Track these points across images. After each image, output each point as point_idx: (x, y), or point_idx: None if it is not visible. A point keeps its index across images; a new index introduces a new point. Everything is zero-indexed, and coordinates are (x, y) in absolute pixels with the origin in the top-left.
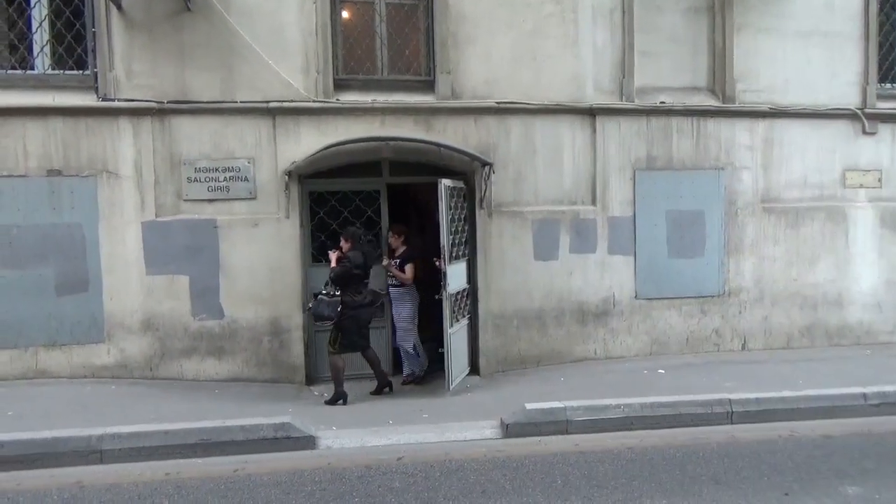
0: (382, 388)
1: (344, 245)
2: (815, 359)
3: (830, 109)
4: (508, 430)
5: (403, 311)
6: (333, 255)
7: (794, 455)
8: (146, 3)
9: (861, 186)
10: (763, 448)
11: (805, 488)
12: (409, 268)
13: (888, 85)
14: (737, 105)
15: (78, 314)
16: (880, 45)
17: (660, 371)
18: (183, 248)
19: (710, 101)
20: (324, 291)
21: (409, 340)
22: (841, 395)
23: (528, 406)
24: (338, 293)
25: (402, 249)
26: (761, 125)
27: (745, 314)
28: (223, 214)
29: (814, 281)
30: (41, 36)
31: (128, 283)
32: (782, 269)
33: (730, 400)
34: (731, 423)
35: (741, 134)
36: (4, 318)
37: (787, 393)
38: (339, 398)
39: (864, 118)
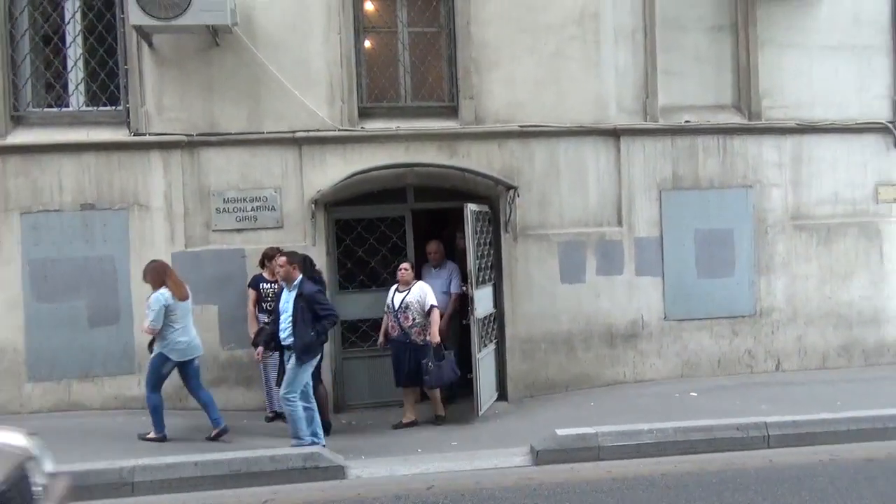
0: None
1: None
2: (853, 379)
3: (860, 124)
4: (539, 457)
5: None
6: None
7: (836, 480)
8: (176, 40)
9: (895, 201)
10: (803, 473)
11: None
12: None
13: None
14: (763, 122)
15: (110, 346)
16: None
17: (692, 394)
18: (212, 278)
19: (736, 119)
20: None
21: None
22: (882, 417)
23: (559, 432)
24: None
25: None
26: (789, 141)
27: (778, 334)
28: (251, 244)
29: (848, 299)
30: (76, 74)
31: None
32: (815, 286)
33: (766, 423)
34: (769, 448)
35: (769, 151)
36: (40, 351)
37: (825, 415)
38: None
39: None
